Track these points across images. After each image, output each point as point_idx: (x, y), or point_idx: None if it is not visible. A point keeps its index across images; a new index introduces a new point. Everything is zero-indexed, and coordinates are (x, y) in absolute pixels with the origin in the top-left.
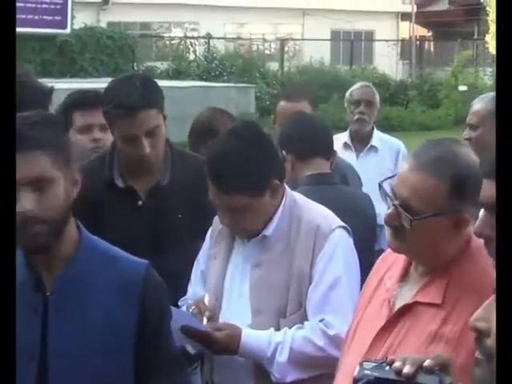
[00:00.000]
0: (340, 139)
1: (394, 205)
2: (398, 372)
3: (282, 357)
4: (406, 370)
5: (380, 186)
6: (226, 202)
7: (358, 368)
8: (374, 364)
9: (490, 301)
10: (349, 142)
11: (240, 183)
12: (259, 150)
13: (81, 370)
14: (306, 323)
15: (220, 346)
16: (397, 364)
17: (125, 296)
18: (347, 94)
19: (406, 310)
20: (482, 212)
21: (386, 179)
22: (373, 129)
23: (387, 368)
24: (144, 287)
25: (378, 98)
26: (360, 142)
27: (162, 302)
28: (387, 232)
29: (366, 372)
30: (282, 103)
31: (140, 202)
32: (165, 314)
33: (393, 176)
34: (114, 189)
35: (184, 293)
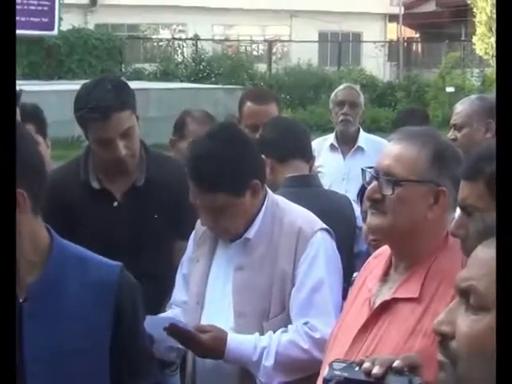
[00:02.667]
0: (326, 141)
1: (376, 178)
2: (368, 372)
3: (268, 361)
4: (376, 370)
5: (363, 170)
6: (207, 201)
7: (327, 368)
8: (344, 364)
9: (454, 304)
10: (335, 144)
11: (220, 181)
12: (239, 150)
13: (58, 374)
14: (289, 326)
15: (205, 348)
16: (366, 364)
17: (99, 299)
18: (332, 95)
19: (385, 307)
20: (458, 212)
21: (369, 167)
22: (359, 130)
23: (357, 368)
24: (118, 289)
25: (362, 99)
26: (346, 143)
27: (135, 303)
28: (368, 213)
29: (335, 372)
30: (250, 104)
31: (115, 203)
32: (139, 314)
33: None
34: (90, 190)
35: (162, 292)
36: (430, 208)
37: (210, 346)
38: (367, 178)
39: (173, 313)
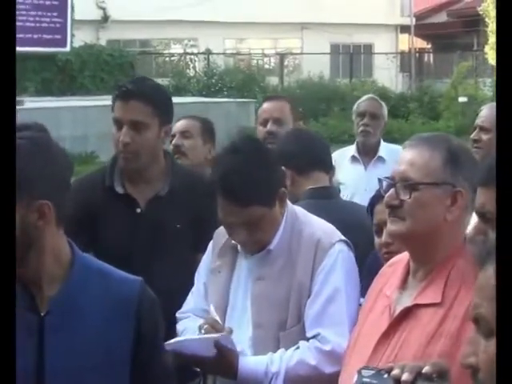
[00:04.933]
0: (347, 152)
1: (393, 185)
2: (397, 379)
3: (277, 383)
4: (405, 377)
5: (379, 180)
6: (242, 216)
7: (356, 376)
8: (373, 372)
9: (473, 334)
10: (356, 155)
11: (255, 194)
12: (265, 161)
13: None
14: (301, 343)
15: (215, 372)
16: (395, 371)
17: (120, 314)
18: (355, 106)
19: (407, 313)
20: (475, 219)
21: (386, 177)
22: (379, 141)
23: (385, 375)
24: (138, 305)
25: (384, 110)
26: (367, 154)
27: (156, 318)
28: (388, 220)
29: (364, 380)
30: (264, 104)
31: (139, 210)
32: (159, 329)
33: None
34: (114, 195)
35: (177, 302)
36: (448, 210)
37: (218, 369)
38: (384, 187)
39: (186, 325)
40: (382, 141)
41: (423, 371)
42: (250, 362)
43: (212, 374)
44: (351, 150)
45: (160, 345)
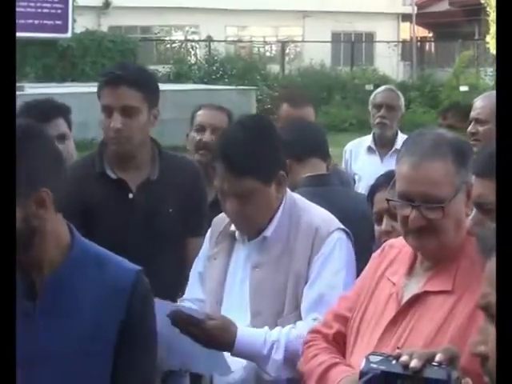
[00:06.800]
0: (364, 143)
1: (413, 207)
2: (405, 366)
3: (278, 355)
4: (414, 363)
5: (388, 200)
6: (235, 186)
7: (364, 361)
8: (381, 357)
9: (483, 323)
10: (372, 146)
11: (250, 165)
12: (268, 140)
13: (66, 372)
14: (298, 322)
15: (212, 335)
16: (404, 358)
17: (111, 301)
18: (371, 97)
19: (415, 300)
20: (473, 211)
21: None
22: (397, 132)
23: (394, 362)
24: (131, 294)
25: (401, 101)
26: (384, 145)
27: (146, 310)
28: (409, 237)
29: (372, 365)
30: (286, 107)
31: (131, 195)
32: (147, 323)
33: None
34: (106, 180)
35: (172, 286)
36: (466, 205)
37: (217, 334)
38: (399, 208)
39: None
40: (399, 132)
41: (436, 359)
42: (247, 330)
43: (208, 343)
44: (367, 140)
45: (146, 338)
